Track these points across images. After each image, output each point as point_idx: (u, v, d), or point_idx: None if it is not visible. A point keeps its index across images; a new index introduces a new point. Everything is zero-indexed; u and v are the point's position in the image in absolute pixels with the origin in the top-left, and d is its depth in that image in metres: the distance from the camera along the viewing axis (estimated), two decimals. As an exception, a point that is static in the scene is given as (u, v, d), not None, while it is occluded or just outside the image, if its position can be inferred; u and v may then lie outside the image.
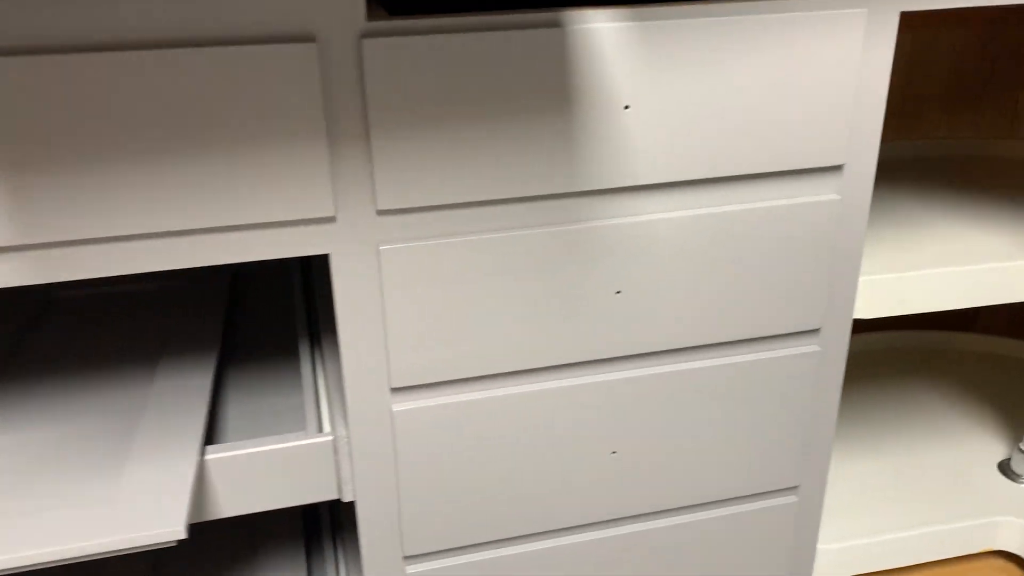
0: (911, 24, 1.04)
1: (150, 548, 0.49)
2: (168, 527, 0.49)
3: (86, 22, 0.46)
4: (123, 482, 0.54)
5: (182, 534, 0.49)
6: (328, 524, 0.87)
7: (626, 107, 0.55)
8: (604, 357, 0.62)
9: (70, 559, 0.48)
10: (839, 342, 0.67)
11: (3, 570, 0.47)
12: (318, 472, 0.62)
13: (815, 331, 0.66)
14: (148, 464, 0.56)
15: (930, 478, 0.91)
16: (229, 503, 0.60)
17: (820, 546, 0.80)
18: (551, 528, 0.67)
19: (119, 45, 0.47)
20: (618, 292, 0.60)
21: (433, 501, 0.63)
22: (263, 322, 0.85)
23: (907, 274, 0.70)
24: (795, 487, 0.72)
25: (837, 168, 0.61)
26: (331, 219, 0.54)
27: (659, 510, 0.69)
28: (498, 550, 0.67)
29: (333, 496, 0.63)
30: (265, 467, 0.60)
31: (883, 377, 1.11)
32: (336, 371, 0.69)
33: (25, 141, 0.47)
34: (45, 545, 0.47)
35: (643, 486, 0.67)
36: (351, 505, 0.71)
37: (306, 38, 0.49)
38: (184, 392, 0.66)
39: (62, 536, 0.48)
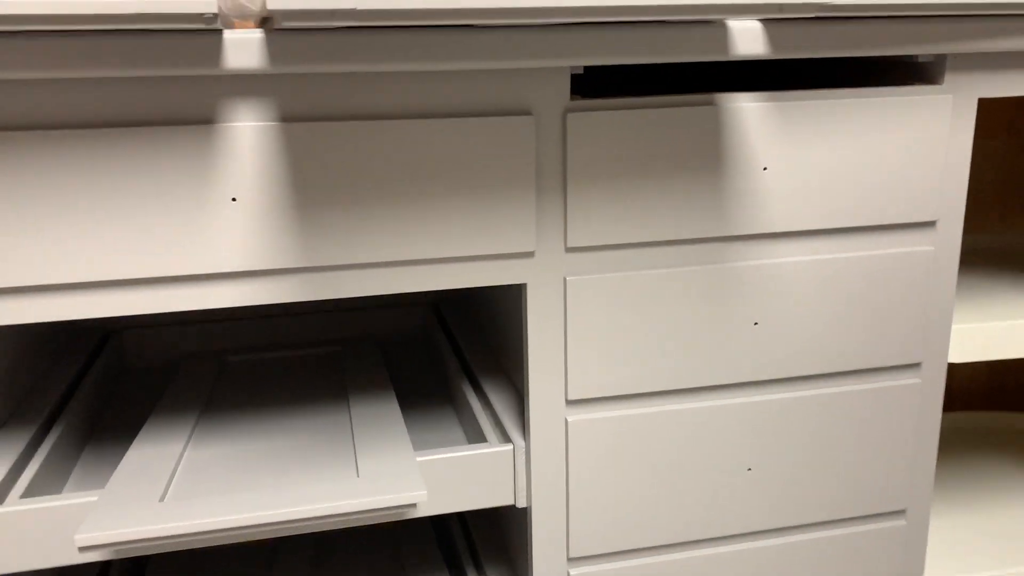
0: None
1: (398, 509, 0.59)
2: (412, 490, 0.60)
3: (361, 97, 0.61)
4: (362, 470, 0.65)
5: (424, 497, 0.60)
6: (460, 535, 0.96)
7: (764, 168, 0.69)
8: (744, 381, 0.73)
9: (340, 515, 0.58)
10: (937, 376, 0.78)
11: (292, 520, 0.57)
12: (498, 479, 0.72)
13: (916, 365, 0.77)
14: (376, 460, 0.67)
15: None
16: (427, 503, 0.70)
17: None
18: (695, 539, 0.76)
19: (383, 115, 0.62)
20: (756, 323, 0.72)
21: (597, 507, 0.73)
22: (415, 372, 0.98)
23: (996, 324, 0.81)
24: (903, 511, 0.81)
25: (931, 224, 0.74)
26: (531, 254, 0.67)
27: (785, 526, 0.78)
28: (651, 557, 0.76)
29: (509, 502, 0.73)
30: (458, 472, 0.71)
31: (981, 452, 1.20)
32: (502, 394, 0.80)
33: (312, 188, 0.61)
34: (321, 501, 0.58)
35: (772, 502, 0.77)
36: (493, 515, 0.81)
37: (525, 112, 0.64)
38: (380, 417, 0.77)
39: (333, 497, 0.59)
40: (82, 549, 0.55)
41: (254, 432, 0.76)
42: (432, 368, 1.02)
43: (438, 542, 0.97)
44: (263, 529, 0.58)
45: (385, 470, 0.65)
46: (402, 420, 0.75)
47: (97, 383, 0.89)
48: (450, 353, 0.94)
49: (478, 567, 0.90)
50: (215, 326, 1.06)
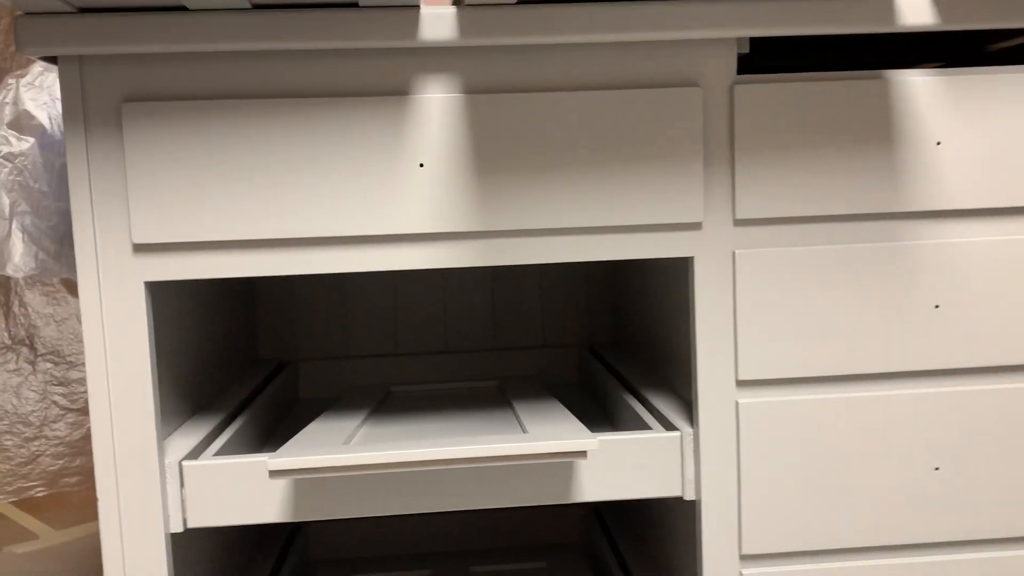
0: None
1: (573, 455, 0.59)
2: (582, 438, 0.60)
3: (539, 69, 0.66)
4: (531, 431, 0.66)
5: (595, 445, 0.60)
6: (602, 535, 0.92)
7: (938, 143, 0.68)
8: (926, 369, 0.70)
9: (511, 456, 0.59)
10: None
11: (467, 458, 0.58)
12: (665, 468, 0.71)
13: (1124, 362, 0.71)
14: (544, 427, 0.68)
15: None
16: (591, 487, 0.69)
17: None
18: (876, 544, 0.71)
19: (559, 87, 0.66)
20: (936, 306, 0.69)
21: (771, 500, 0.70)
22: (574, 402, 0.99)
23: None
24: (1122, 532, 0.73)
25: None
26: (698, 226, 0.68)
27: (978, 539, 0.72)
28: (829, 562, 0.71)
29: (677, 493, 0.71)
30: (622, 458, 0.70)
31: None
32: (667, 400, 0.79)
33: (493, 156, 0.65)
34: (493, 443, 0.59)
35: (964, 509, 0.71)
36: (644, 510, 0.78)
37: (693, 84, 0.67)
38: (545, 410, 0.78)
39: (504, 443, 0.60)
40: (273, 474, 0.58)
41: (422, 419, 0.78)
42: (593, 402, 1.02)
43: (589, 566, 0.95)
44: (439, 465, 0.59)
45: (553, 431, 0.65)
46: (568, 411, 0.76)
47: (269, 402, 0.94)
48: (608, 376, 0.94)
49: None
50: (382, 360, 1.11)
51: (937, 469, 0.71)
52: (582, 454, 0.60)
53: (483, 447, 0.59)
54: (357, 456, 0.58)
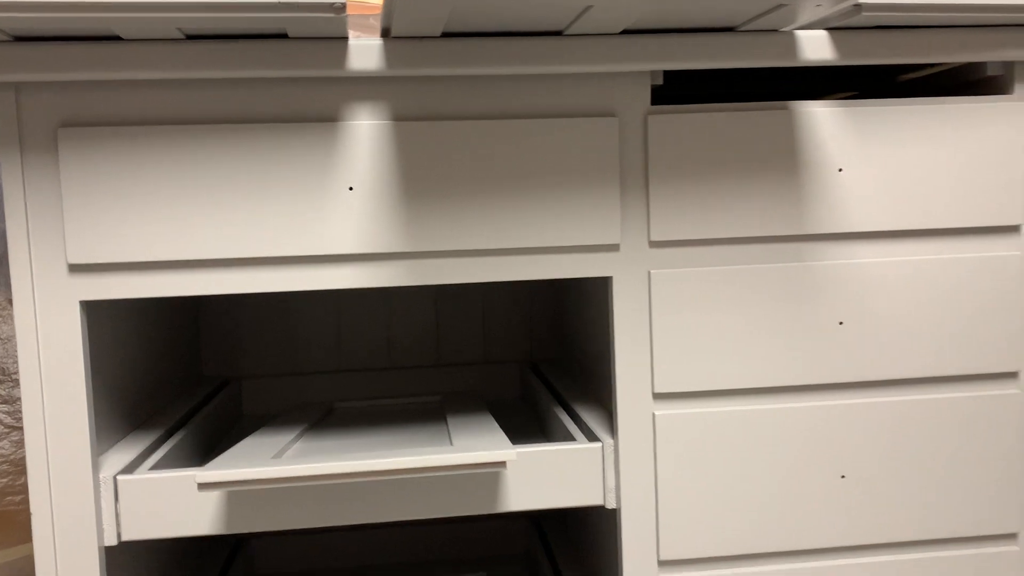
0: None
1: (492, 465, 0.62)
2: (502, 449, 0.63)
3: (467, 98, 0.69)
4: (456, 444, 0.69)
5: (513, 456, 0.62)
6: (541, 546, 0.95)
7: (840, 170, 0.72)
8: (831, 382, 0.74)
9: (434, 468, 0.61)
10: (1039, 390, 0.77)
11: (391, 470, 0.61)
12: (587, 478, 0.74)
13: (1013, 374, 0.76)
14: (470, 440, 0.71)
15: None
16: (516, 497, 0.72)
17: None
18: (787, 549, 0.75)
19: (483, 115, 0.69)
20: (840, 323, 0.74)
21: (686, 508, 0.73)
22: (511, 416, 1.01)
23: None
24: (1014, 534, 0.77)
25: (1015, 228, 0.75)
26: (615, 247, 0.72)
27: (881, 543, 0.76)
28: (743, 567, 0.74)
29: (599, 502, 0.74)
30: (546, 469, 0.73)
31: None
32: (594, 413, 0.83)
33: (419, 180, 0.69)
34: (417, 456, 0.62)
35: (868, 515, 0.75)
36: (579, 521, 0.81)
37: (610, 114, 0.71)
38: (475, 423, 0.81)
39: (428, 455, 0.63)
40: (201, 486, 0.60)
41: (357, 434, 0.81)
42: (532, 417, 1.05)
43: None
44: (365, 478, 0.61)
45: (477, 444, 0.68)
46: (497, 425, 0.79)
47: (210, 418, 0.96)
48: (544, 391, 0.97)
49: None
50: (326, 377, 1.13)
51: (843, 477, 0.75)
52: (501, 464, 0.63)
53: (402, 459, 0.61)
54: (281, 470, 0.60)
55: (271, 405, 1.11)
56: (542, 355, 1.16)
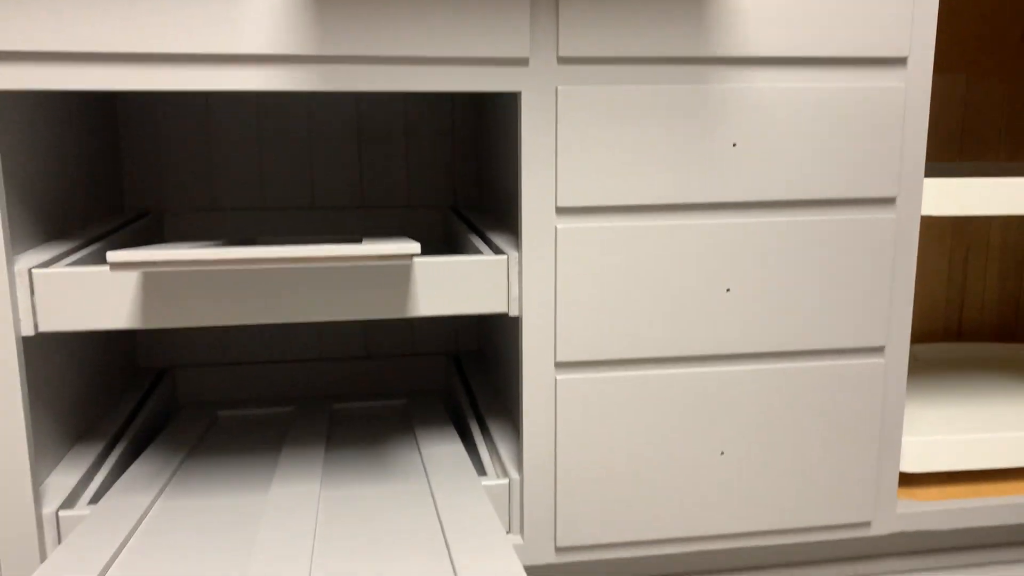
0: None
1: (400, 257, 0.66)
2: (411, 244, 0.66)
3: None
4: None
5: (417, 249, 0.66)
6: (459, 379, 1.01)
7: (741, -5, 0.75)
8: (724, 201, 0.79)
9: (345, 257, 0.65)
10: (911, 216, 0.83)
11: (305, 257, 0.64)
12: (493, 287, 0.78)
13: (891, 200, 0.82)
14: (383, 245, 0.74)
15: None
16: (426, 303, 0.76)
17: (905, 438, 0.91)
18: (672, 355, 0.81)
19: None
20: (734, 144, 0.78)
21: (582, 316, 0.78)
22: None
23: (969, 179, 0.86)
24: (881, 347, 0.85)
25: (901, 61, 0.80)
26: (524, 61, 0.74)
27: (762, 351, 0.82)
28: (630, 370, 0.81)
29: (503, 309, 0.79)
30: (456, 277, 0.77)
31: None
32: (504, 228, 0.86)
33: (333, -20, 0.69)
34: (339, 246, 0.65)
35: (750, 325, 0.81)
36: (492, 352, 0.86)
37: (522, -74, 0.72)
38: (388, 240, 0.84)
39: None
40: (113, 266, 0.62)
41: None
42: (450, 252, 1.09)
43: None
44: (276, 264, 0.64)
45: (387, 244, 0.71)
46: (409, 238, 0.82)
47: (131, 241, 0.97)
48: (463, 227, 1.01)
49: (480, 421, 0.96)
50: (248, 213, 1.14)
51: (728, 291, 0.81)
52: (407, 258, 0.67)
53: (312, 248, 0.64)
54: (193, 253, 0.63)
55: (193, 237, 1.12)
56: (464, 200, 1.19)
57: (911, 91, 0.81)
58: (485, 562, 0.61)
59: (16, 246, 0.73)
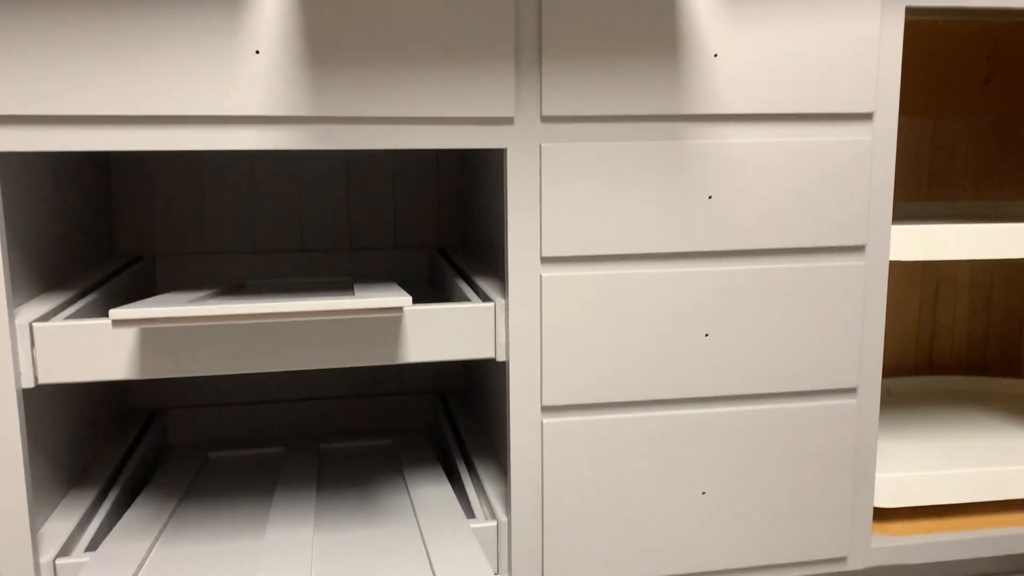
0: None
1: (390, 310, 0.68)
2: (400, 297, 0.69)
3: (373, -26, 0.73)
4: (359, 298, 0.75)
5: (409, 302, 0.69)
6: (445, 418, 1.04)
7: (715, 55, 0.79)
8: (701, 250, 0.82)
9: (337, 311, 0.67)
10: (880, 261, 0.86)
11: (296, 312, 0.67)
12: (481, 333, 0.81)
13: (860, 248, 0.86)
14: (373, 296, 0.77)
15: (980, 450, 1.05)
16: (416, 350, 0.79)
17: (879, 475, 0.94)
18: (655, 398, 0.84)
19: (391, -10, 0.73)
20: (710, 197, 0.82)
21: (567, 361, 0.81)
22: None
23: (936, 225, 0.90)
24: (853, 389, 0.88)
25: (867, 116, 0.84)
26: (510, 120, 0.77)
27: (740, 394, 0.86)
28: (616, 413, 0.83)
29: (491, 354, 0.82)
30: (445, 324, 0.79)
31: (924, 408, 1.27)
32: (490, 273, 0.89)
33: (325, 47, 0.73)
34: (329, 300, 0.68)
35: (729, 369, 0.85)
36: (479, 392, 0.89)
37: (506, -7, 0.76)
38: (377, 289, 0.87)
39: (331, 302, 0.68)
40: (116, 323, 0.65)
41: (268, 300, 0.86)
42: (437, 295, 1.11)
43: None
44: (271, 319, 0.67)
45: (377, 296, 0.74)
46: (397, 286, 0.85)
47: (124, 286, 0.99)
48: (449, 270, 1.03)
49: (467, 460, 0.98)
50: (238, 257, 1.17)
51: (707, 336, 0.84)
52: (398, 310, 0.70)
53: (305, 303, 0.67)
54: (192, 309, 0.65)
55: (184, 282, 1.14)
56: (450, 241, 1.22)
57: (877, 144, 0.85)
58: (476, 606, 0.63)
59: (16, 297, 0.75)
